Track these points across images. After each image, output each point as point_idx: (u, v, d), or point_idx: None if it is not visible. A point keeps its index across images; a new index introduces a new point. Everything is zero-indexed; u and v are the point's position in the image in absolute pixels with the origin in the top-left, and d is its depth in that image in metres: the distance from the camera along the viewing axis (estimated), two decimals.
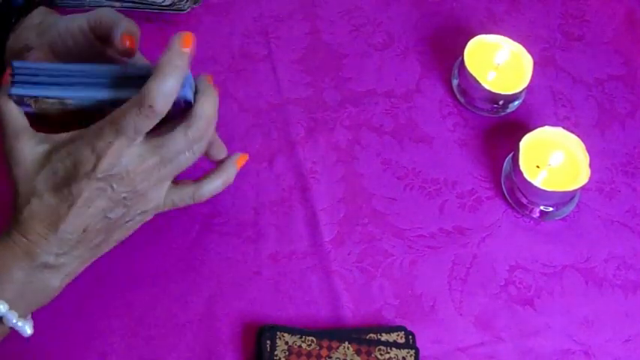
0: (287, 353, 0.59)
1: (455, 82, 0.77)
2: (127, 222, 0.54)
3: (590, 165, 0.68)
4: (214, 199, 0.67)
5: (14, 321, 0.50)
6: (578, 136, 0.70)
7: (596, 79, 0.79)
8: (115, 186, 0.51)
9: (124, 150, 0.50)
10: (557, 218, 0.70)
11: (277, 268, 0.65)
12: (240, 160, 0.60)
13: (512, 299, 0.65)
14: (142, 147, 0.51)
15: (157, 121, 0.50)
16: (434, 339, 0.63)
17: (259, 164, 0.71)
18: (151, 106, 0.49)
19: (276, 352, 0.59)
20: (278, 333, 0.60)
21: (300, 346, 0.60)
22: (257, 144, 0.72)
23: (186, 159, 0.54)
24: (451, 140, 0.74)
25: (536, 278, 0.67)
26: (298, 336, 0.60)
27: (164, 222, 0.66)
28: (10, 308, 0.50)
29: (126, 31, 0.60)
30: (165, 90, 0.49)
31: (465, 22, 0.82)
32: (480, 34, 0.75)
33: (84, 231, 0.51)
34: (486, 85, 0.72)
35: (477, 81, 0.72)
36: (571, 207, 0.70)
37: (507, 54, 0.75)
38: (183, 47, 0.52)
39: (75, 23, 0.62)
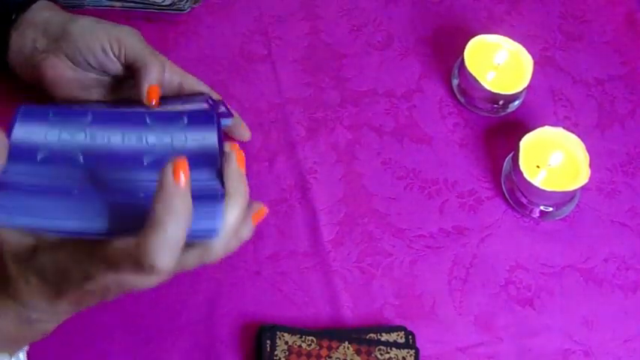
0: (287, 353, 0.59)
1: (455, 82, 0.77)
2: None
3: (590, 165, 0.68)
4: None
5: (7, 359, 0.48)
6: (578, 136, 0.70)
7: (596, 79, 0.79)
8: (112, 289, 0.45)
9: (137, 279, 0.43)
10: (557, 218, 0.70)
11: (277, 268, 0.65)
12: (258, 214, 0.50)
13: (512, 299, 0.65)
14: None
15: (163, 279, 0.43)
16: (434, 339, 0.63)
17: (259, 164, 0.71)
18: (152, 266, 0.41)
19: (276, 352, 0.59)
20: (278, 333, 0.60)
21: (300, 346, 0.60)
22: (257, 144, 0.72)
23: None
24: (451, 140, 0.74)
25: (536, 278, 0.67)
26: (298, 336, 0.60)
27: None
28: (0, 351, 0.47)
29: (154, 81, 0.59)
30: (167, 243, 0.41)
31: (464, 22, 0.82)
32: (480, 34, 0.75)
33: (79, 304, 0.47)
34: (486, 85, 0.72)
35: (477, 81, 0.72)
36: (571, 207, 0.70)
37: (507, 54, 0.75)
38: (177, 182, 0.41)
39: (97, 43, 0.61)
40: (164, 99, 0.63)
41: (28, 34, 0.63)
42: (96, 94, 0.65)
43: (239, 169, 0.47)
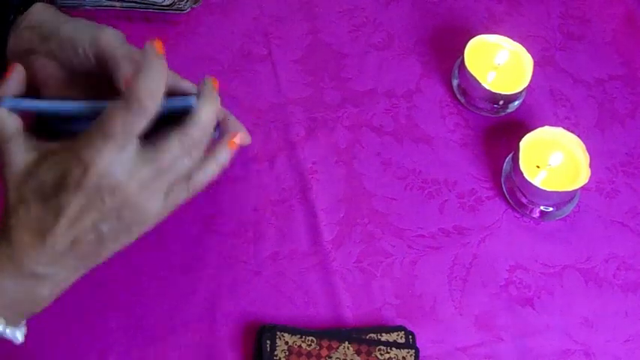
0: (287, 353, 0.59)
1: (455, 82, 0.77)
2: (121, 234, 0.50)
3: (590, 165, 0.68)
4: (214, 199, 0.68)
5: (1, 329, 0.49)
6: (578, 136, 0.70)
7: (596, 79, 0.79)
8: (106, 199, 0.47)
9: (113, 158, 0.47)
10: (557, 218, 0.70)
11: (277, 268, 0.65)
12: (232, 141, 0.55)
13: (512, 299, 0.65)
14: (135, 156, 0.48)
15: (147, 120, 0.47)
16: (434, 339, 0.63)
17: (259, 164, 0.71)
18: (138, 102, 0.46)
19: (276, 352, 0.59)
20: (278, 333, 0.60)
21: (300, 346, 0.60)
22: (257, 144, 0.72)
23: (184, 166, 0.51)
24: (451, 140, 0.74)
25: (536, 278, 0.67)
26: (298, 336, 0.60)
27: (164, 222, 0.66)
28: None
29: (127, 72, 0.59)
30: (151, 84, 0.47)
31: (465, 22, 0.82)
32: (480, 34, 0.75)
33: (73, 242, 0.48)
34: (486, 85, 0.72)
35: (477, 81, 0.72)
36: (571, 207, 0.70)
37: (507, 54, 0.75)
38: (158, 51, 0.49)
39: (78, 44, 0.61)
40: None
41: (25, 36, 0.63)
42: (83, 93, 0.64)
43: (213, 86, 0.53)
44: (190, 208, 0.67)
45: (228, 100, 0.74)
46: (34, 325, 0.60)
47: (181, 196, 0.53)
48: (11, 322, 0.50)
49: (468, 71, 0.73)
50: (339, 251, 0.66)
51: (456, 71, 0.77)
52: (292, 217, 0.68)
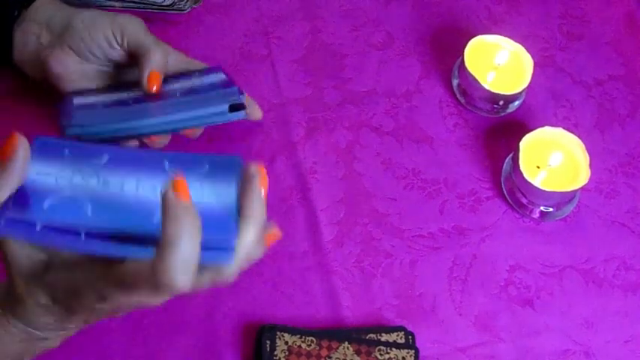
0: (287, 353, 0.59)
1: (455, 82, 0.77)
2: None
3: (590, 165, 0.68)
4: None
5: None
6: (578, 136, 0.70)
7: (596, 79, 0.79)
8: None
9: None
10: (557, 218, 0.70)
11: (277, 268, 0.65)
12: (271, 235, 0.48)
13: (512, 299, 0.65)
14: None
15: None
16: (434, 339, 0.63)
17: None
18: (169, 285, 0.40)
19: (276, 352, 0.59)
20: (278, 333, 0.60)
21: (300, 346, 0.60)
22: (257, 144, 0.72)
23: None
24: (451, 140, 0.74)
25: (536, 278, 0.67)
26: (298, 336, 0.60)
27: None
28: None
29: (155, 67, 0.60)
30: (183, 260, 0.39)
31: (465, 22, 0.82)
32: (480, 34, 0.75)
33: (88, 321, 0.47)
34: (486, 86, 0.72)
35: (477, 81, 0.72)
36: (571, 207, 0.70)
37: (507, 54, 0.75)
38: (180, 198, 0.40)
39: (100, 33, 0.62)
40: (177, 77, 0.65)
41: (31, 30, 0.63)
42: (100, 84, 0.65)
43: (260, 191, 0.45)
44: None
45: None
46: None
47: (208, 285, 0.46)
48: None
49: (468, 71, 0.73)
50: (339, 251, 0.66)
51: (456, 71, 0.77)
52: (292, 217, 0.68)
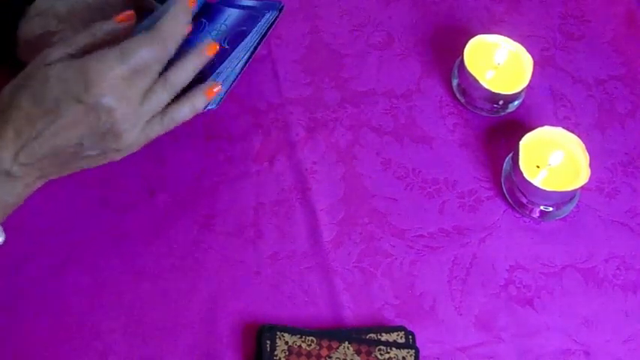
0: (287, 353, 0.59)
1: (455, 82, 0.77)
2: (97, 154, 0.53)
3: (590, 165, 0.68)
4: (214, 199, 0.68)
5: None
6: (578, 136, 0.70)
7: (596, 79, 0.79)
8: (101, 116, 0.50)
9: (117, 84, 0.50)
10: (557, 218, 0.70)
11: (277, 268, 0.65)
12: (210, 88, 0.57)
13: (512, 299, 0.65)
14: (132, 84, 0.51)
15: (164, 61, 0.53)
16: (434, 339, 0.63)
17: (259, 164, 0.71)
18: (163, 43, 0.52)
19: (276, 352, 0.59)
20: (278, 333, 0.60)
21: (300, 346, 0.60)
22: (257, 144, 0.72)
23: (160, 98, 0.53)
24: (451, 140, 0.74)
25: (536, 278, 0.67)
26: (298, 336, 0.60)
27: (164, 222, 0.66)
28: None
29: None
30: (176, 28, 0.52)
31: (465, 22, 0.82)
32: (480, 34, 0.75)
33: (54, 149, 0.50)
34: (486, 85, 0.72)
35: (477, 81, 0.72)
36: (571, 207, 0.70)
37: (507, 54, 0.75)
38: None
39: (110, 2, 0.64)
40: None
41: (37, 22, 0.64)
42: None
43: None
44: (190, 208, 0.67)
45: (228, 100, 0.74)
46: (34, 324, 0.60)
47: (155, 129, 0.54)
48: None
49: (468, 71, 0.73)
50: (339, 251, 0.66)
51: (456, 71, 0.77)
52: (292, 217, 0.68)
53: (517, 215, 0.70)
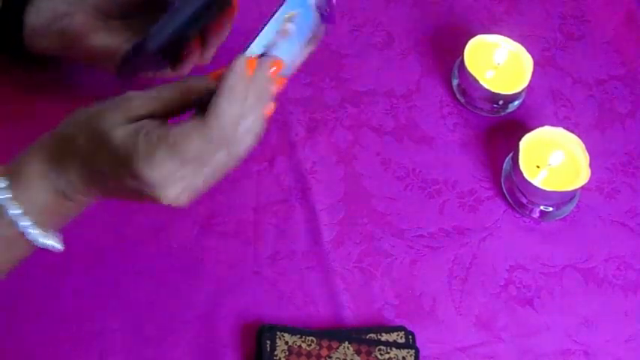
0: (287, 353, 0.59)
1: (455, 82, 0.77)
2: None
3: (590, 165, 0.68)
4: (214, 199, 0.68)
5: (42, 239, 0.50)
6: (578, 136, 0.70)
7: (596, 79, 0.79)
8: (144, 190, 0.49)
9: (167, 174, 0.48)
10: (557, 218, 0.70)
11: (277, 268, 0.65)
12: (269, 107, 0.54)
13: (512, 299, 0.65)
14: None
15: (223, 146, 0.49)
16: (434, 339, 0.63)
17: (259, 164, 0.70)
18: (219, 136, 0.48)
19: (276, 352, 0.59)
20: (278, 333, 0.60)
21: (300, 346, 0.60)
22: (257, 144, 0.72)
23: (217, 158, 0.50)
24: (451, 140, 0.74)
25: (536, 278, 0.67)
26: (298, 336, 0.60)
27: (164, 222, 0.66)
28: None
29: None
30: (234, 113, 0.48)
31: (465, 22, 0.82)
32: (480, 34, 0.75)
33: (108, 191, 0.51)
34: (486, 85, 0.72)
35: (477, 81, 0.72)
36: (571, 207, 0.70)
37: (507, 54, 0.75)
38: (247, 72, 0.49)
39: None
40: None
41: (45, 7, 0.64)
42: (125, 42, 0.65)
43: (243, 73, 0.50)
44: (190, 208, 0.67)
45: None
46: (34, 324, 0.60)
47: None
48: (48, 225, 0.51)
49: (468, 71, 0.73)
50: (339, 251, 0.66)
51: (456, 71, 0.77)
52: (292, 217, 0.68)
53: (517, 215, 0.70)
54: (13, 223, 0.49)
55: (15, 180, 0.49)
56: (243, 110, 0.50)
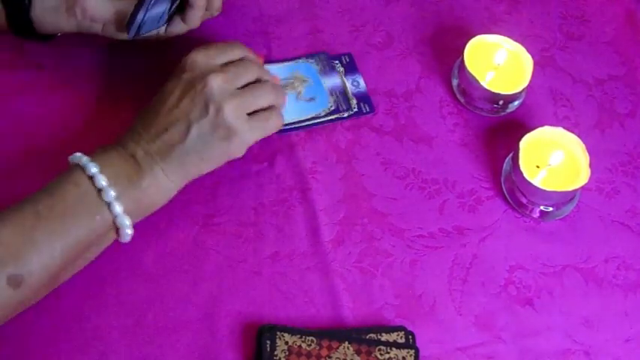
0: (287, 353, 0.59)
1: (455, 82, 0.77)
2: (209, 128, 0.62)
3: (590, 165, 0.68)
4: (214, 199, 0.68)
5: (119, 210, 0.56)
6: (578, 136, 0.70)
7: (596, 79, 0.79)
8: (210, 108, 0.61)
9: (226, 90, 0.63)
10: (557, 218, 0.70)
11: (277, 268, 0.65)
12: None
13: (512, 299, 0.65)
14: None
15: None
16: (434, 339, 0.63)
17: (259, 164, 0.70)
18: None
19: (276, 352, 0.59)
20: (278, 333, 0.60)
21: (300, 346, 0.60)
22: (257, 144, 0.72)
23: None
24: (451, 140, 0.74)
25: (536, 278, 0.67)
26: (298, 336, 0.60)
27: (164, 222, 0.66)
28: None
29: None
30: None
31: (465, 22, 0.82)
32: (480, 34, 0.76)
33: (167, 128, 0.61)
34: (486, 85, 0.72)
35: (477, 81, 0.72)
36: (571, 207, 0.70)
37: (507, 54, 0.75)
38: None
39: None
40: None
41: None
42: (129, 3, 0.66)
43: None
44: (190, 208, 0.67)
45: None
46: (34, 325, 0.60)
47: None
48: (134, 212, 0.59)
49: (468, 71, 0.73)
50: (339, 251, 0.66)
51: (456, 71, 0.77)
52: (292, 217, 0.68)
53: (517, 215, 0.70)
54: (108, 209, 0.56)
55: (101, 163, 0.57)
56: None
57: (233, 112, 0.61)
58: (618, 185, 0.73)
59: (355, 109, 0.74)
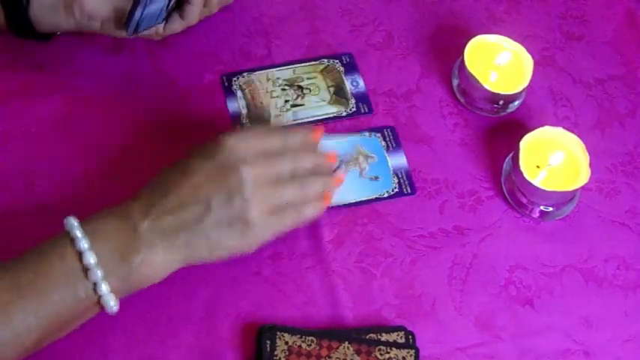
0: (287, 353, 0.59)
1: (455, 82, 0.77)
2: (227, 222, 0.57)
3: (590, 165, 0.68)
4: None
5: (104, 289, 0.53)
6: (578, 136, 0.70)
7: (596, 79, 0.79)
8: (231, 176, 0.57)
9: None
10: (557, 218, 0.70)
11: (277, 268, 0.65)
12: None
13: (512, 299, 0.65)
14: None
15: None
16: (434, 339, 0.63)
17: None
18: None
19: (276, 352, 0.59)
20: (278, 333, 0.60)
21: (300, 346, 0.60)
22: None
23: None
24: (451, 140, 0.74)
25: (536, 278, 0.67)
26: (298, 336, 0.60)
27: None
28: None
29: None
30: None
31: (465, 22, 0.82)
32: (480, 34, 0.76)
33: (180, 203, 0.56)
34: (486, 85, 0.72)
35: (477, 81, 0.72)
36: (571, 207, 0.70)
37: (507, 54, 0.75)
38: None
39: None
40: None
41: None
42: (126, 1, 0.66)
43: None
44: None
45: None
46: None
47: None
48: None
49: (468, 71, 0.73)
50: (339, 251, 0.66)
51: (456, 71, 0.77)
52: None
53: (517, 215, 0.70)
54: (94, 286, 0.53)
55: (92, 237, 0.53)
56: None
57: (257, 209, 0.57)
58: (618, 185, 0.73)
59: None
